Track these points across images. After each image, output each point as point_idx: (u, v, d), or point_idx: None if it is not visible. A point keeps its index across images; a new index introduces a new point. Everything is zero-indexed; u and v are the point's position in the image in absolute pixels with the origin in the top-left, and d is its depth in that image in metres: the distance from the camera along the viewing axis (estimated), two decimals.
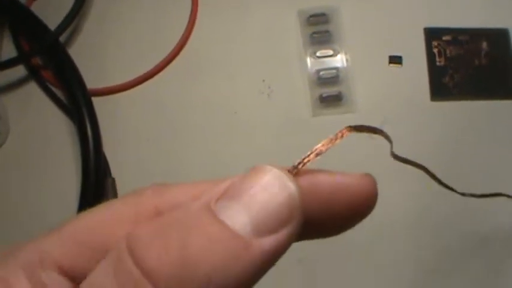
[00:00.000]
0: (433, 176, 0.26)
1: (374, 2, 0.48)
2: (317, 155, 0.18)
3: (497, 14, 0.48)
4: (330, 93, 0.46)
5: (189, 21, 0.48)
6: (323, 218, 0.16)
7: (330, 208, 0.16)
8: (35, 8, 0.50)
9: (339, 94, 0.46)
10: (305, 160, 0.18)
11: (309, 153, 0.18)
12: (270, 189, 0.14)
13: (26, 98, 0.48)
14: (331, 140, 0.19)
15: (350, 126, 0.20)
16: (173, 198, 0.16)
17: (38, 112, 0.48)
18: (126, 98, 0.48)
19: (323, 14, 0.47)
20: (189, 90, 0.47)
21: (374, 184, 0.17)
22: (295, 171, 0.17)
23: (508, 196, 0.37)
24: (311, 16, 0.47)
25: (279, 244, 0.14)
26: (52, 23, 0.48)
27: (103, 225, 0.16)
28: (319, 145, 0.19)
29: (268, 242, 0.14)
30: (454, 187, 0.43)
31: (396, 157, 0.24)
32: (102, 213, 0.16)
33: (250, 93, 0.47)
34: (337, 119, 0.46)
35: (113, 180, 0.45)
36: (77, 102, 0.46)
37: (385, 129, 0.21)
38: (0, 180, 0.47)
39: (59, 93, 0.48)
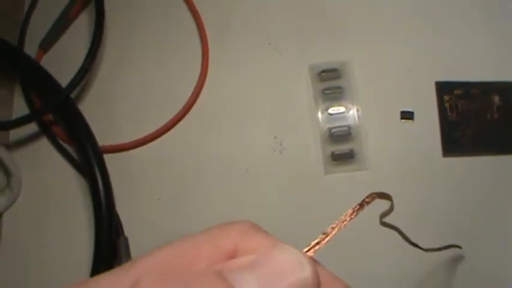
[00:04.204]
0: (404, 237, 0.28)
1: (385, 57, 0.48)
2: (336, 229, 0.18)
3: (509, 67, 0.48)
4: (342, 150, 0.46)
5: (199, 78, 0.48)
6: None
7: None
8: (44, 62, 0.50)
9: (351, 151, 0.45)
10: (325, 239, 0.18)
11: (330, 229, 0.18)
12: (284, 267, 0.15)
13: (37, 154, 0.48)
14: (355, 210, 0.19)
15: (375, 193, 0.20)
16: (254, 244, 0.16)
17: (49, 168, 0.48)
18: (138, 155, 0.48)
19: (334, 70, 0.47)
20: (200, 148, 0.47)
21: None
22: (314, 249, 0.17)
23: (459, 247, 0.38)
24: (322, 72, 0.47)
25: None
26: (62, 76, 0.48)
27: (181, 260, 0.16)
28: (343, 218, 0.19)
29: None
30: (468, 243, 0.43)
31: (384, 224, 0.26)
32: (182, 247, 0.17)
33: (262, 150, 0.47)
34: (350, 176, 0.46)
35: (126, 239, 0.45)
36: (89, 159, 0.46)
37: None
38: (11, 237, 0.47)
39: (70, 149, 0.48)
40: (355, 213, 0.19)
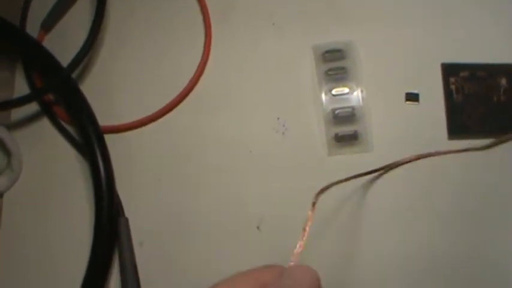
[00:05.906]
0: None
1: (390, 37, 0.47)
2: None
3: None
4: (345, 132, 0.45)
5: (202, 58, 0.48)
6: None
7: None
8: (47, 42, 0.50)
9: (354, 133, 0.45)
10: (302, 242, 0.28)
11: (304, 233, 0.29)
12: (305, 274, 0.26)
13: (38, 135, 0.48)
14: (312, 210, 0.30)
15: (317, 193, 0.32)
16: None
17: (50, 149, 0.48)
18: (139, 136, 0.47)
19: (338, 50, 0.46)
20: (202, 128, 0.47)
21: None
22: (301, 243, 0.28)
23: None
24: (326, 52, 0.46)
25: None
26: (64, 57, 0.47)
27: None
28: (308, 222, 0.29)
29: None
30: (474, 225, 0.43)
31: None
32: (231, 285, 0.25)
33: (265, 131, 0.46)
34: (353, 158, 0.45)
35: (126, 219, 0.45)
36: (89, 139, 0.46)
37: None
38: (12, 218, 0.46)
39: (71, 129, 0.48)
40: (313, 211, 0.29)
